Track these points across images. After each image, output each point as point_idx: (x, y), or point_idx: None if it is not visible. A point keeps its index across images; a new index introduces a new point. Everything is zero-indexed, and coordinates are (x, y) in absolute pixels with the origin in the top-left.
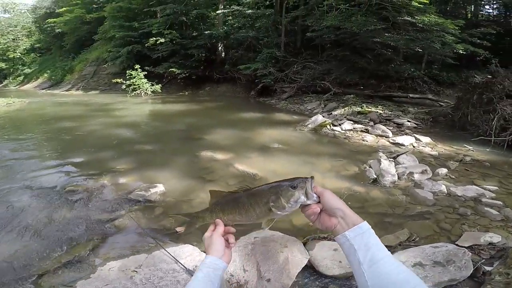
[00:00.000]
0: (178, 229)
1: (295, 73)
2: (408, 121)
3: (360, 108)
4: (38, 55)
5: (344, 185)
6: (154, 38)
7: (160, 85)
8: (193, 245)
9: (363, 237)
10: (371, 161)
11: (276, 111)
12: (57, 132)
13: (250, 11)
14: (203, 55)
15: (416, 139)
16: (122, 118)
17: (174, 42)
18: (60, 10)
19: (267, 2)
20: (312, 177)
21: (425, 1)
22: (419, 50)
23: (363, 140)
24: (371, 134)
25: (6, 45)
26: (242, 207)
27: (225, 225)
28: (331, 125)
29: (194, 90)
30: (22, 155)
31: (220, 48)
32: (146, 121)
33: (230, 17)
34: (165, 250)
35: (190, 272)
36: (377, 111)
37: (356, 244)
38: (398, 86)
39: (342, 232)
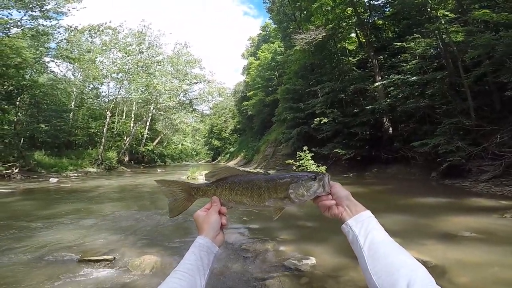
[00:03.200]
0: None
1: (499, 146)
2: None
3: None
4: (238, 135)
5: None
6: (318, 119)
7: (325, 166)
8: None
9: (363, 223)
10: None
11: (471, 195)
12: None
13: (414, 78)
14: (367, 133)
15: None
16: None
17: (336, 121)
18: (249, 93)
19: (435, 64)
20: (329, 175)
21: None
22: None
23: None
24: None
25: (221, 126)
26: (257, 189)
27: (222, 205)
28: None
29: (359, 172)
30: None
31: (386, 123)
32: (309, 202)
33: (392, 88)
34: None
35: None
36: None
37: (357, 230)
38: None
39: (347, 219)
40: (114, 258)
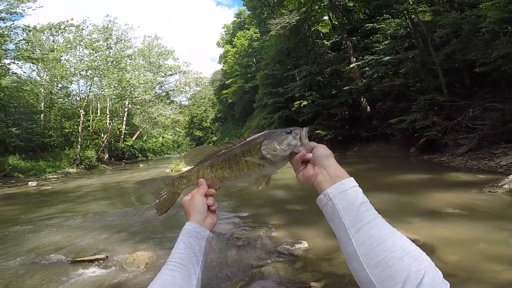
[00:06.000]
0: (313, 284)
1: (472, 120)
2: None
3: None
4: (219, 124)
5: None
6: (298, 102)
7: None
8: None
9: (347, 194)
10: None
11: (450, 170)
12: (230, 192)
13: (387, 58)
14: (346, 113)
15: None
16: (278, 181)
17: (315, 103)
18: (228, 81)
19: (406, 44)
20: (307, 127)
21: None
22: None
23: None
24: None
25: (201, 116)
26: (234, 158)
27: (209, 187)
28: None
29: (341, 151)
30: None
31: (363, 102)
32: (296, 184)
33: (367, 68)
34: None
35: None
36: None
37: (340, 204)
38: None
39: (323, 186)
40: (107, 256)
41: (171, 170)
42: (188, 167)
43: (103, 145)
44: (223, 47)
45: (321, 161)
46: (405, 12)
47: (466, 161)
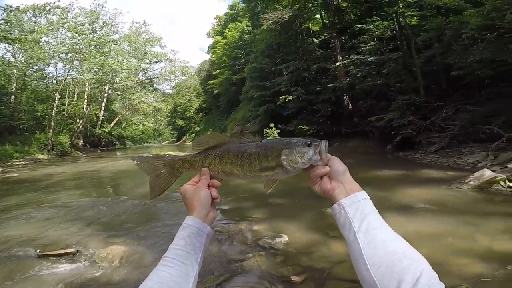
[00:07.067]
0: (294, 278)
1: (445, 120)
2: None
3: None
4: (204, 114)
5: None
6: (284, 96)
7: None
8: None
9: (359, 205)
10: None
11: (422, 167)
12: None
13: (372, 58)
14: (329, 109)
15: None
16: None
17: (300, 98)
18: (215, 72)
19: (391, 46)
20: (326, 141)
21: None
22: None
23: None
24: None
25: (185, 105)
26: (248, 157)
27: (212, 178)
28: (506, 181)
29: None
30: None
31: (346, 100)
32: (279, 179)
33: (352, 67)
34: None
35: None
36: None
37: (351, 212)
38: None
39: (339, 198)
40: (77, 250)
41: None
42: (194, 152)
43: (78, 130)
44: (213, 37)
45: (338, 176)
46: (394, 15)
47: (437, 158)
